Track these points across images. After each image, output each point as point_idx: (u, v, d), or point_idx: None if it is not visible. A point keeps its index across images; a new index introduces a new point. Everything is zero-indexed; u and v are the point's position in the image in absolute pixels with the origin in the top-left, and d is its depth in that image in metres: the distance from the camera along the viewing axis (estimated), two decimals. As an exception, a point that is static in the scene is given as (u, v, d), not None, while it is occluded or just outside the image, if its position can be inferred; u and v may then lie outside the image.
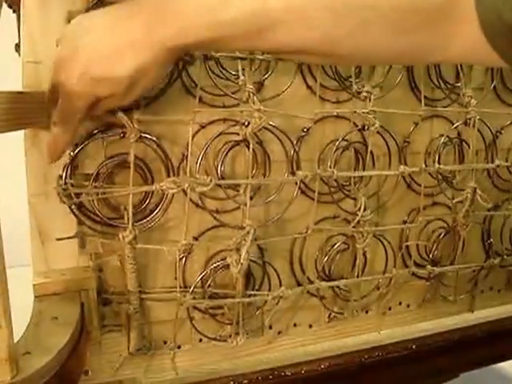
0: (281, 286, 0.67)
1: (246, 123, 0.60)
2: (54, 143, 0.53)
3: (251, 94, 0.59)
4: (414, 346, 0.81)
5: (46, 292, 0.58)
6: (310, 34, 0.47)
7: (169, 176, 0.61)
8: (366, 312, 0.76)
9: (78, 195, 0.58)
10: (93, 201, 0.59)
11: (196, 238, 0.65)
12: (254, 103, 0.58)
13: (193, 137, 0.62)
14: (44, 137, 0.58)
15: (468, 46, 0.48)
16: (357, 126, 0.70)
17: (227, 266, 0.64)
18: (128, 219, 0.57)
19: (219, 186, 0.61)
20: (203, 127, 0.63)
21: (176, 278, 0.64)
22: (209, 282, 0.65)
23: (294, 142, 0.67)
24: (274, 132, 0.64)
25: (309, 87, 0.68)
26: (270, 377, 0.74)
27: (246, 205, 0.61)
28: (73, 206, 0.58)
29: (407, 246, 0.75)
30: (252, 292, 0.65)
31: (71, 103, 0.50)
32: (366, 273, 0.72)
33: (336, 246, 0.71)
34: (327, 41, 0.47)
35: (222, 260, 0.65)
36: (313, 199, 0.68)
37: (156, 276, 0.65)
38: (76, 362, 0.52)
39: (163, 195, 0.61)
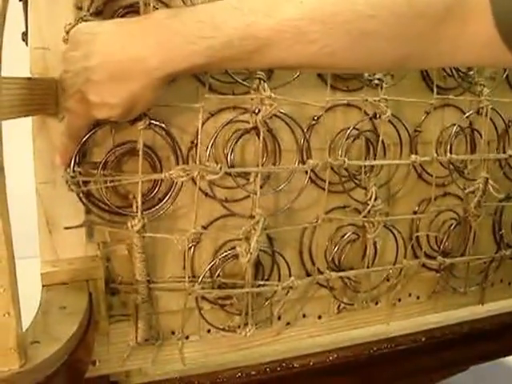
0: (290, 276, 0.66)
1: (257, 111, 0.59)
2: (63, 150, 0.55)
3: (262, 81, 0.58)
4: (422, 339, 0.81)
5: (53, 281, 0.58)
6: (305, 49, 0.46)
7: (177, 164, 0.61)
8: (376, 303, 0.75)
9: (85, 183, 0.58)
10: (101, 189, 0.58)
11: (205, 228, 0.65)
12: (264, 90, 0.57)
13: (202, 125, 0.61)
14: (51, 124, 0.57)
15: (479, 47, 0.46)
16: (367, 114, 0.69)
17: (236, 256, 0.63)
18: (137, 208, 0.57)
19: (229, 174, 0.60)
20: (212, 115, 0.62)
21: (184, 268, 0.63)
22: (218, 272, 0.64)
23: (304, 131, 0.66)
24: (285, 120, 0.63)
25: (319, 75, 0.67)
26: (278, 368, 0.73)
27: (256, 193, 0.60)
28: (81, 195, 0.57)
29: (417, 237, 0.74)
30: (261, 282, 0.64)
31: (73, 121, 0.52)
32: (376, 263, 0.71)
33: (346, 236, 0.70)
34: (325, 54, 0.46)
35: (230, 249, 0.64)
36: (322, 188, 0.68)
37: (164, 265, 0.64)
38: (84, 351, 0.51)
39: (172, 184, 0.60)
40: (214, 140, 0.61)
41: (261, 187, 0.62)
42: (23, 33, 0.70)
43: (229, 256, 0.64)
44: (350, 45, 0.46)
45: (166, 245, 0.63)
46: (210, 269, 0.64)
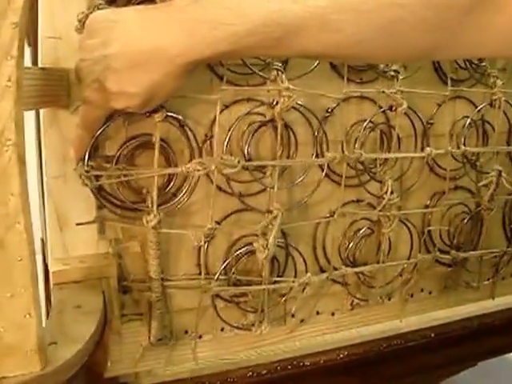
0: (307, 272, 0.64)
1: (275, 102, 0.57)
2: (78, 143, 0.53)
3: (279, 72, 0.56)
4: (432, 335, 0.80)
5: (65, 280, 0.56)
6: (332, 37, 0.44)
7: (191, 158, 0.59)
8: (389, 299, 0.74)
9: (97, 178, 0.56)
10: (114, 184, 0.56)
11: (218, 223, 0.63)
12: (282, 82, 0.56)
13: (215, 117, 0.60)
14: (63, 116, 0.55)
15: (508, 37, 0.46)
16: (381, 107, 0.68)
17: (251, 252, 0.62)
18: (152, 203, 0.55)
19: (245, 168, 0.59)
20: (227, 107, 0.61)
21: (199, 265, 0.62)
22: (233, 269, 0.62)
23: (319, 123, 0.65)
24: (302, 112, 0.62)
25: (333, 67, 0.65)
26: (289, 367, 0.72)
27: (273, 188, 0.58)
28: (94, 190, 0.55)
29: (429, 231, 0.74)
30: (278, 278, 0.62)
31: (90, 111, 0.50)
32: (390, 258, 0.70)
33: (361, 230, 0.69)
34: (351, 43, 0.45)
35: (245, 245, 0.63)
36: (336, 182, 0.67)
37: (177, 263, 0.62)
38: (101, 353, 0.50)
39: (185, 178, 0.59)
40: (231, 133, 0.59)
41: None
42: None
43: (244, 252, 0.63)
44: (378, 34, 0.45)
45: (179, 241, 0.61)
46: (225, 265, 0.62)
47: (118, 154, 0.56)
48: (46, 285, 1.03)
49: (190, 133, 0.58)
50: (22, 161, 0.37)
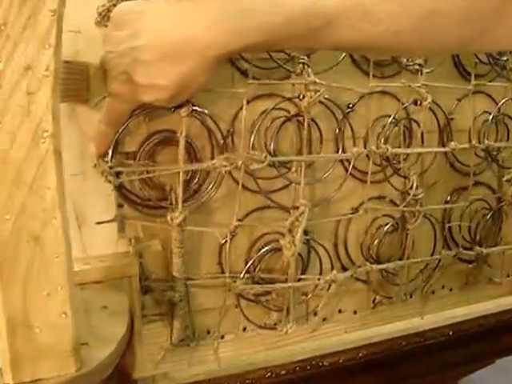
0: (332, 269, 0.63)
1: (301, 97, 0.56)
2: (100, 139, 0.51)
3: (305, 66, 0.55)
4: (450, 333, 0.79)
5: (85, 280, 0.54)
6: (371, 28, 0.43)
7: (213, 154, 0.58)
8: (411, 296, 0.73)
9: (117, 175, 0.54)
10: (134, 181, 0.55)
11: (240, 220, 0.61)
12: (308, 75, 0.54)
13: (237, 113, 0.58)
14: (82, 111, 0.53)
15: None
16: (401, 101, 0.67)
17: (275, 249, 0.61)
18: (177, 200, 0.53)
19: (270, 164, 0.57)
20: (248, 102, 0.59)
21: (221, 263, 0.60)
22: (256, 267, 0.61)
23: (346, 118, 0.63)
24: (328, 105, 0.61)
25: (354, 61, 0.64)
26: (308, 367, 0.70)
27: (299, 183, 0.57)
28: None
29: (450, 228, 0.73)
30: (303, 276, 0.61)
31: (116, 105, 0.48)
32: (412, 255, 0.69)
33: (384, 227, 0.68)
34: (389, 35, 0.44)
35: (268, 243, 0.62)
36: (358, 178, 0.66)
37: (199, 261, 0.61)
38: (130, 354, 0.48)
39: (207, 174, 0.57)
40: (258, 128, 0.58)
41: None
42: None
43: (268, 250, 0.61)
44: (416, 25, 0.44)
45: (201, 239, 0.60)
46: (249, 263, 0.61)
47: (140, 150, 0.55)
48: None
49: (212, 128, 0.56)
50: (58, 153, 0.36)
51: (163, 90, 0.45)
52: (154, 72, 0.44)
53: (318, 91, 0.54)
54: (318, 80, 0.54)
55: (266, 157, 0.53)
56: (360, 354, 0.73)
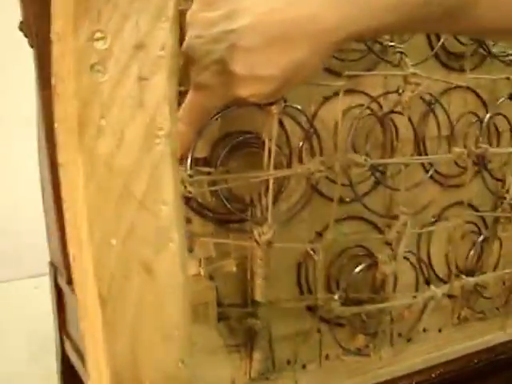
0: (428, 284, 0.56)
1: (400, 90, 0.48)
2: (180, 141, 0.42)
3: (403, 56, 0.48)
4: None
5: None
6: None
7: (291, 158, 0.50)
8: (497, 309, 0.66)
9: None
10: (205, 192, 0.47)
11: (320, 234, 0.54)
12: (407, 66, 0.47)
13: (317, 110, 0.51)
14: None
15: None
16: (480, 96, 0.60)
17: (364, 265, 0.53)
18: (264, 212, 0.45)
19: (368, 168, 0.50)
20: (327, 99, 0.52)
21: (300, 283, 0.53)
22: (341, 285, 0.53)
23: (421, 117, 0.56)
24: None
25: (436, 56, 0.57)
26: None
27: (397, 189, 0.50)
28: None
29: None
30: (396, 294, 0.54)
31: (203, 100, 0.39)
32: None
33: (471, 235, 0.60)
34: None
35: (352, 258, 0.54)
36: (438, 183, 0.59)
37: (277, 282, 0.53)
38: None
39: (287, 182, 0.50)
40: (354, 129, 0.50)
41: (378, 183, 0.52)
42: (21, 22, 0.60)
43: (354, 266, 0.54)
44: None
45: (277, 257, 0.52)
46: (328, 283, 0.53)
47: (212, 155, 0.47)
48: (60, 313, 0.92)
49: (289, 128, 0.49)
50: (175, 157, 0.28)
51: (267, 82, 0.37)
52: (257, 60, 0.36)
53: (419, 84, 0.47)
54: (418, 72, 0.47)
55: (365, 159, 0.45)
56: (433, 375, 0.66)
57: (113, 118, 0.26)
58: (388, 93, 0.51)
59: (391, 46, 0.49)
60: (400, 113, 0.50)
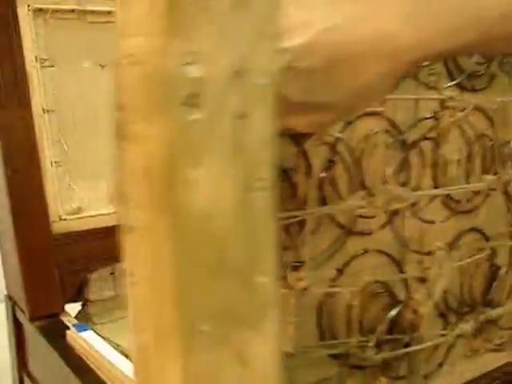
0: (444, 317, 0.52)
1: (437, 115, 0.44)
2: None
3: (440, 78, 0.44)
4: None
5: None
6: None
7: (307, 188, 0.45)
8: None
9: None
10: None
11: (340, 270, 0.49)
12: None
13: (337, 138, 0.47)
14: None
15: None
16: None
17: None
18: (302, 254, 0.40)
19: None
20: (349, 124, 0.47)
21: (321, 325, 0.47)
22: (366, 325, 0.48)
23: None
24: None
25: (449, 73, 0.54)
26: None
27: (432, 222, 0.46)
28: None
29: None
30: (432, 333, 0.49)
31: None
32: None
33: (487, 264, 0.58)
34: None
35: (375, 296, 0.50)
36: (450, 208, 0.56)
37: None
38: None
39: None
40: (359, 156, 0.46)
41: (396, 213, 0.48)
42: None
43: (381, 307, 0.49)
44: None
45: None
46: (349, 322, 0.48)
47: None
48: (19, 350, 0.86)
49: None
50: (274, 217, 0.22)
51: (327, 111, 0.31)
52: (316, 85, 0.30)
53: (455, 109, 0.43)
54: (458, 95, 0.43)
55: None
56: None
57: (208, 165, 0.19)
58: (425, 118, 0.47)
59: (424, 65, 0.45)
60: (433, 139, 0.46)
